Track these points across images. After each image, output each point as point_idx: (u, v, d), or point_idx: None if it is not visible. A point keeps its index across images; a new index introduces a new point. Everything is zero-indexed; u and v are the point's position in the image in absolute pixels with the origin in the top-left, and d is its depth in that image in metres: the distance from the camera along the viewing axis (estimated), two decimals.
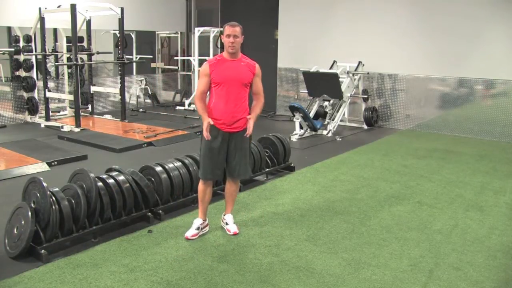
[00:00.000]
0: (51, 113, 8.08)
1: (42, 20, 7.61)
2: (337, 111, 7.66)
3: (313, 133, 7.39)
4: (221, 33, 3.71)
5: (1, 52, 8.31)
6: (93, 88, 8.66)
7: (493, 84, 7.24)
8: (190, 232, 3.39)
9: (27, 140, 6.50)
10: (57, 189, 3.25)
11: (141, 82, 10.25)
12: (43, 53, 7.81)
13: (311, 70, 7.96)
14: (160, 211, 3.76)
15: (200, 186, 3.43)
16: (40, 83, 8.07)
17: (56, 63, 8.94)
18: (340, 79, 7.59)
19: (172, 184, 3.88)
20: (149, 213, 3.72)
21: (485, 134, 7.31)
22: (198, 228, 3.40)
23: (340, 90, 7.48)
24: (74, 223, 3.20)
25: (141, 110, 9.64)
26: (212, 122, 3.22)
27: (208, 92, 3.34)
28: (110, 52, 10.15)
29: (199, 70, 3.28)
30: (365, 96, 8.12)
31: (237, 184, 3.57)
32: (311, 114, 7.66)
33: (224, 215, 3.60)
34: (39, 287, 2.70)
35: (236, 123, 3.28)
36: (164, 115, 9.08)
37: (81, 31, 8.00)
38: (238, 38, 3.22)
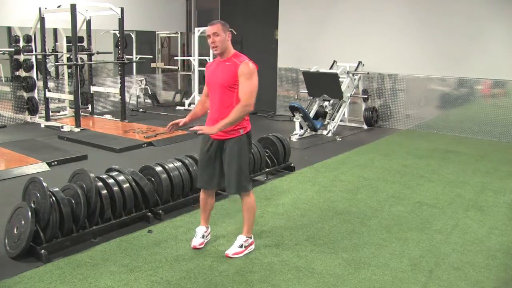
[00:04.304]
0: (51, 113, 8.08)
1: (42, 20, 7.60)
2: (337, 111, 7.66)
3: (313, 133, 7.39)
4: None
5: (1, 52, 8.31)
6: (93, 88, 8.66)
7: (493, 84, 7.24)
8: (197, 241, 3.25)
9: (27, 140, 6.49)
10: (57, 189, 3.25)
11: (141, 82, 10.25)
12: (43, 53, 7.80)
13: (311, 70, 7.96)
14: (160, 211, 3.76)
15: (201, 194, 3.29)
16: (40, 83, 8.07)
17: (56, 63, 8.93)
18: (340, 79, 7.59)
19: (172, 184, 3.88)
20: (149, 213, 3.72)
21: (485, 134, 7.31)
22: (203, 236, 3.29)
23: (340, 90, 7.48)
24: (74, 223, 3.20)
25: (141, 110, 9.64)
26: (174, 122, 3.09)
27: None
28: (110, 52, 10.14)
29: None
30: (365, 96, 8.12)
31: (245, 201, 3.13)
32: (311, 114, 7.66)
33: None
34: (39, 287, 2.70)
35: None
36: (164, 115, 9.08)
37: (81, 31, 8.00)
38: (218, 36, 2.88)
